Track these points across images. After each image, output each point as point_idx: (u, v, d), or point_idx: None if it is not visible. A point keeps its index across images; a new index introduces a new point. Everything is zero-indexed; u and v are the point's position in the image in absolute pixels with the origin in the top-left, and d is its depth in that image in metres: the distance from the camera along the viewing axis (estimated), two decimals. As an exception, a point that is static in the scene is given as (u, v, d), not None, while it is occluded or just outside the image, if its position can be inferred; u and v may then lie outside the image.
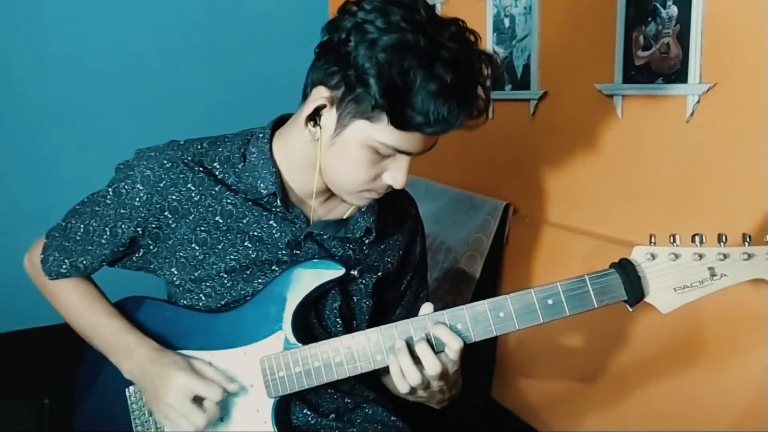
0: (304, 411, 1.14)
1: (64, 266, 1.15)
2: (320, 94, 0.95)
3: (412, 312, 1.29)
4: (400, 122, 0.90)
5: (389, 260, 1.18)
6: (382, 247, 1.17)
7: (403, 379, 0.97)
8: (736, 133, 1.20)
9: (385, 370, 1.01)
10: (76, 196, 1.17)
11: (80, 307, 1.16)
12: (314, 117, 0.97)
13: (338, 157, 0.97)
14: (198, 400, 1.04)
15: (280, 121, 1.10)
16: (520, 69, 1.71)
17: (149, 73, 2.43)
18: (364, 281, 1.15)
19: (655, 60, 1.32)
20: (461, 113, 0.90)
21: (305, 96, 0.98)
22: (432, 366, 0.95)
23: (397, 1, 0.90)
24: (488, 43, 1.80)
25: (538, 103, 1.66)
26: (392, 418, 1.23)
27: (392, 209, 1.16)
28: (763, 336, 1.17)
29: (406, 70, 0.87)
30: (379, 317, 1.19)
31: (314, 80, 0.96)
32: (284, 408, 1.11)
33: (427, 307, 1.00)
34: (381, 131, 0.92)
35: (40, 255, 1.17)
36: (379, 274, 1.16)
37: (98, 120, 2.38)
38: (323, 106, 0.95)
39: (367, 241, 1.13)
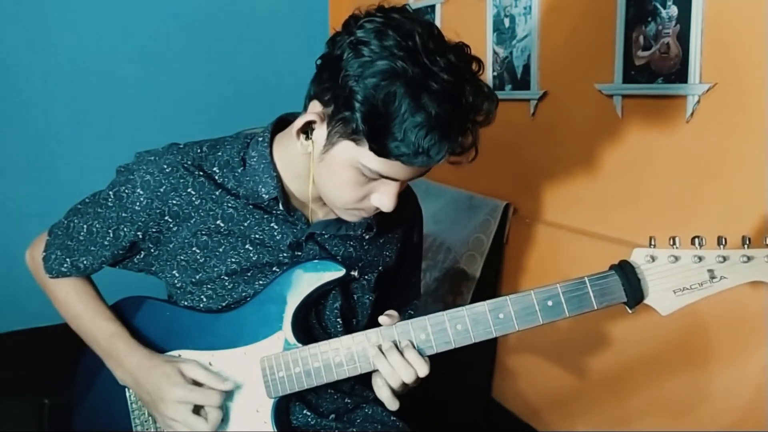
0: (304, 411, 1.14)
1: (65, 265, 1.15)
2: (314, 109, 0.94)
3: (404, 297, 1.29)
4: (380, 150, 0.88)
5: (388, 254, 1.18)
6: (382, 241, 1.17)
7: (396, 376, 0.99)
8: (736, 133, 1.20)
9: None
10: (77, 196, 1.17)
11: (77, 308, 1.16)
12: (306, 130, 0.96)
13: (327, 173, 0.96)
14: (198, 408, 1.05)
15: (280, 123, 1.10)
16: (520, 69, 1.71)
17: (149, 74, 2.43)
18: (366, 277, 1.15)
19: (655, 60, 1.32)
20: (442, 148, 0.86)
21: (306, 108, 0.98)
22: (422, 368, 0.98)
23: (395, 24, 0.87)
24: (488, 43, 1.80)
25: (538, 103, 1.66)
26: (392, 418, 1.23)
27: None
28: (762, 337, 1.17)
29: (392, 98, 0.85)
30: (376, 308, 1.19)
31: (311, 93, 0.95)
32: (284, 408, 1.11)
33: (384, 320, 1.00)
34: (365, 155, 0.90)
35: (42, 252, 1.17)
36: (380, 268, 1.17)
37: (99, 119, 2.39)
38: (314, 122, 0.95)
39: (367, 237, 1.13)
